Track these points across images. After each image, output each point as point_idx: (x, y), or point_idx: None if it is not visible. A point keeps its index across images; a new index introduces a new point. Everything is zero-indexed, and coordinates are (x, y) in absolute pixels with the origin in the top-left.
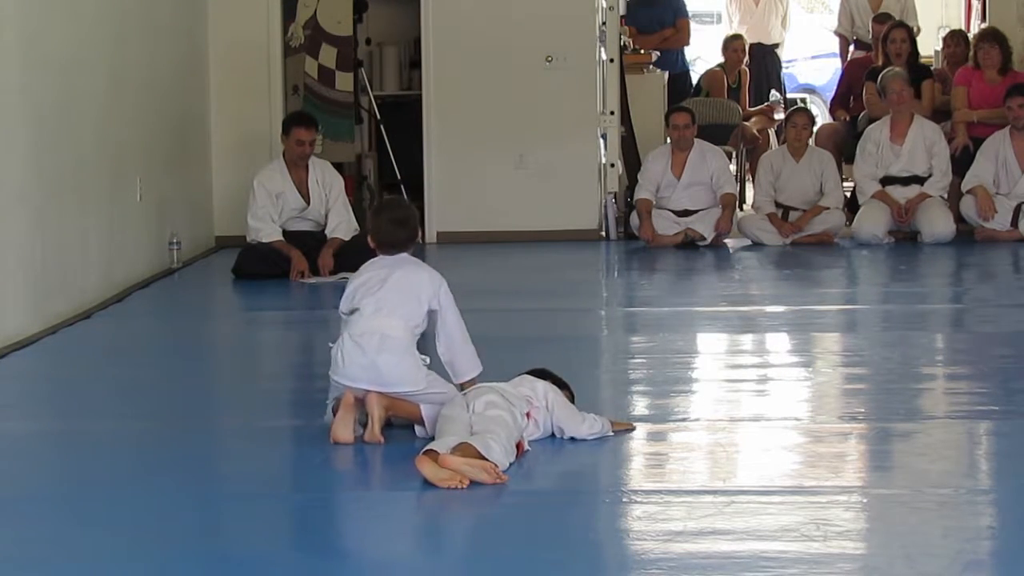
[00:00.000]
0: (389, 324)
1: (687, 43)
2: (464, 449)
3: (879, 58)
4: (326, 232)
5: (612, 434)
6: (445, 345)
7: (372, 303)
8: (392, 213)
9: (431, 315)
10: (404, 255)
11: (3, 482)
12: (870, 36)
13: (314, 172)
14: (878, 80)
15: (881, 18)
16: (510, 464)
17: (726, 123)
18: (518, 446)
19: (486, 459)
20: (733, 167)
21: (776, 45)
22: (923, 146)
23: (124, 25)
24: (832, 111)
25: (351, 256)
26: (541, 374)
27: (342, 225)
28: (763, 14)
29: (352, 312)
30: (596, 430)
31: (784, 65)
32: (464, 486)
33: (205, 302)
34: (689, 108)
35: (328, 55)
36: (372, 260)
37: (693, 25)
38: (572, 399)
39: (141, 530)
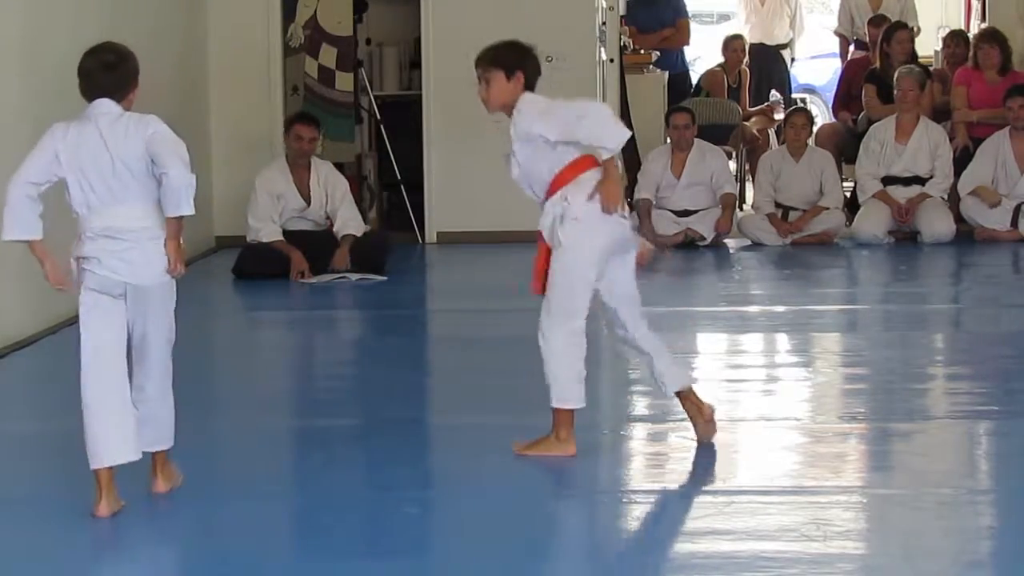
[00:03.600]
0: (127, 214)
1: (687, 43)
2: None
3: (877, 59)
4: (335, 230)
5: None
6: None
7: (99, 193)
8: (103, 56)
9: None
10: (105, 107)
11: (3, 482)
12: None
13: (316, 173)
14: (896, 75)
15: (876, 20)
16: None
17: (726, 123)
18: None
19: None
20: (733, 167)
21: (782, 46)
22: (927, 147)
23: (124, 26)
24: (835, 113)
25: (360, 255)
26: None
27: (351, 222)
28: (767, 14)
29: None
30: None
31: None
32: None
33: (205, 302)
34: (689, 108)
35: (328, 55)
36: (60, 127)
37: (693, 25)
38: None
39: (140, 530)
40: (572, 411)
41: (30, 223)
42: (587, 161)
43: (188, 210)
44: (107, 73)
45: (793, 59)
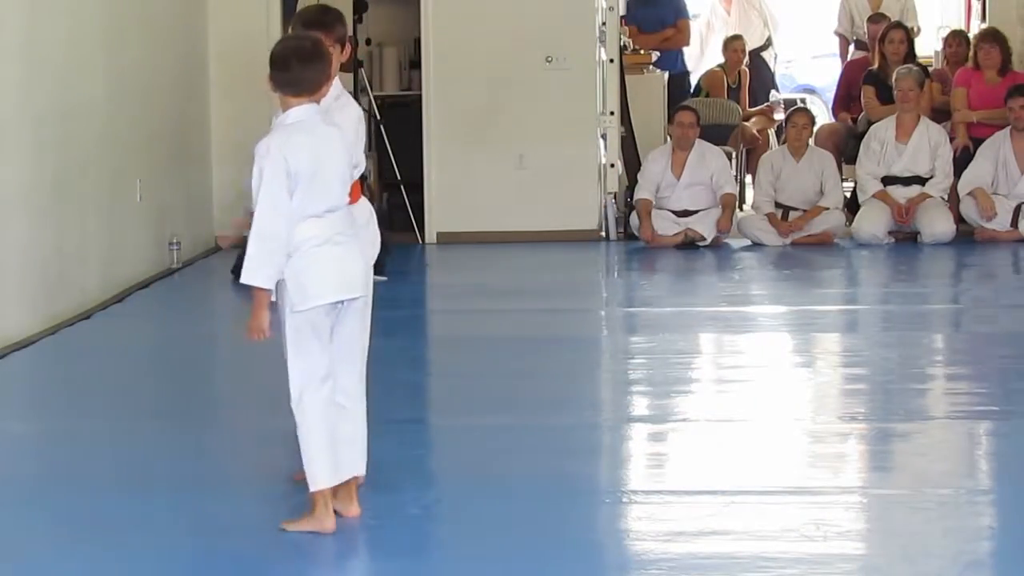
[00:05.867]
0: (340, 218)
1: (687, 43)
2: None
3: (875, 59)
4: None
5: None
6: None
7: (332, 189)
8: (298, 46)
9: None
10: (313, 107)
11: (3, 482)
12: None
13: None
14: (894, 75)
15: (876, 18)
16: None
17: (726, 123)
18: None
19: None
20: (732, 167)
21: (763, 48)
22: (927, 146)
23: (124, 26)
24: (835, 113)
25: None
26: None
27: None
28: (737, 21)
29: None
30: None
31: (784, 65)
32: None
33: (205, 302)
34: (695, 108)
35: None
36: (288, 124)
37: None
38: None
39: (141, 529)
40: None
41: (277, 270)
42: None
43: None
44: (305, 66)
45: (776, 55)
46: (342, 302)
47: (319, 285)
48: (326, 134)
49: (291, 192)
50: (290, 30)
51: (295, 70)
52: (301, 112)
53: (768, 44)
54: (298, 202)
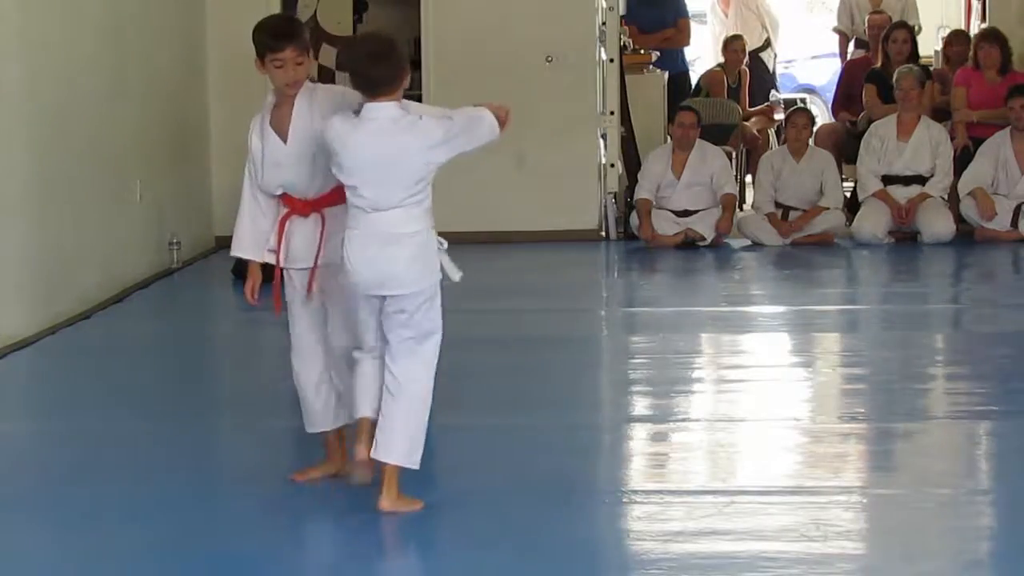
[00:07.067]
0: (390, 219)
1: (687, 43)
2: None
3: (878, 58)
4: None
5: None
6: None
7: (369, 189)
8: (369, 46)
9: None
10: (387, 106)
11: (3, 482)
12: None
13: None
14: (895, 75)
15: (878, 11)
16: None
17: (726, 123)
18: None
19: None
20: (732, 167)
21: (761, 48)
22: (928, 145)
23: (124, 27)
24: (835, 113)
25: None
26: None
27: None
28: (734, 22)
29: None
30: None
31: (784, 65)
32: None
33: (205, 302)
34: (695, 108)
35: (328, 55)
36: (361, 116)
37: (692, 25)
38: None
39: (141, 529)
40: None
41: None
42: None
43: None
44: (375, 65)
45: (775, 56)
46: (384, 297)
47: (350, 267)
48: (388, 137)
49: (329, 159)
50: (252, 39)
51: (370, 71)
52: (374, 110)
53: (767, 45)
54: (342, 181)
